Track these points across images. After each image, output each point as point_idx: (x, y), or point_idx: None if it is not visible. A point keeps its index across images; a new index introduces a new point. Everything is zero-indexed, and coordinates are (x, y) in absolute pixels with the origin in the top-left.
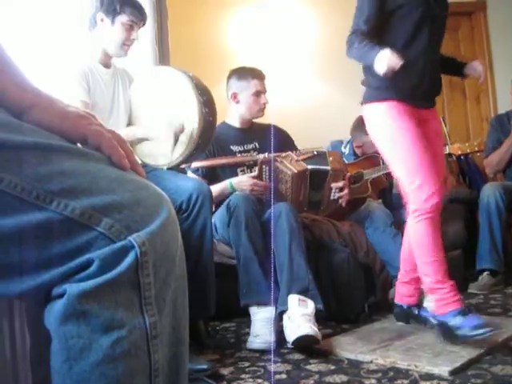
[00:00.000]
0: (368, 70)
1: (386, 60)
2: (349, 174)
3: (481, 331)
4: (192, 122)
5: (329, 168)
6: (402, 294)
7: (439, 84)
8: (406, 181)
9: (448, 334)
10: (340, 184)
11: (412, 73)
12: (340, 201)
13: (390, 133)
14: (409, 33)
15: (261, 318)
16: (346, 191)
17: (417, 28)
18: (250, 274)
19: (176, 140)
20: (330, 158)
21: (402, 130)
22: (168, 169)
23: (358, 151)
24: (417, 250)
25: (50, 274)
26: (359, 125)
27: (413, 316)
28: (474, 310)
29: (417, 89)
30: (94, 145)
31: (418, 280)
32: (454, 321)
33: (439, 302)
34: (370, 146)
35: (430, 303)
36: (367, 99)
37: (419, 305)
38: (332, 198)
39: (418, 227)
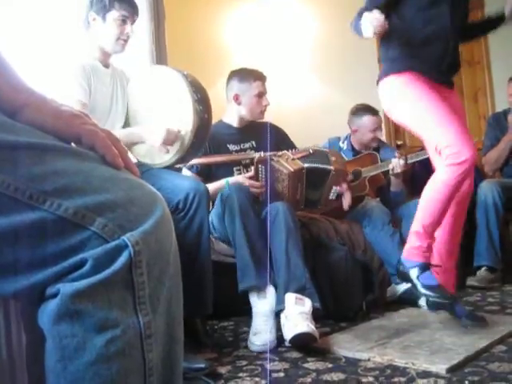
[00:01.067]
0: (386, 40)
1: (370, 21)
2: (349, 177)
3: (433, 295)
4: (186, 120)
5: (331, 168)
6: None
7: (459, 60)
8: (438, 138)
9: (405, 278)
10: (343, 187)
11: (435, 45)
12: (344, 205)
13: (412, 100)
14: (429, 12)
15: (261, 311)
16: (348, 195)
17: (437, 6)
18: (244, 259)
19: (167, 150)
20: (333, 158)
21: (423, 94)
22: (164, 168)
23: (355, 140)
24: (430, 194)
25: (43, 274)
26: (356, 110)
27: (448, 307)
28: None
29: (439, 62)
30: (88, 144)
31: (455, 268)
32: (413, 271)
33: (412, 248)
34: (364, 132)
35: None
36: (385, 73)
37: (456, 298)
38: (331, 197)
39: (445, 173)
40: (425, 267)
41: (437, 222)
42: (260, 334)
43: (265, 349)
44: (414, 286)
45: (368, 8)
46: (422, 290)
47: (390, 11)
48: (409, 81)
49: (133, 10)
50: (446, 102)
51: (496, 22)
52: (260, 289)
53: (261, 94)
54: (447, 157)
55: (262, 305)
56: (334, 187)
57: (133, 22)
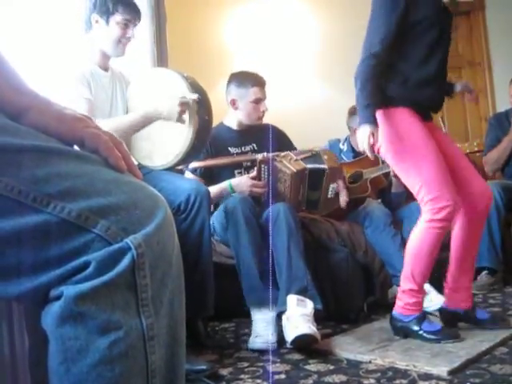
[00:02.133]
0: (387, 75)
1: (366, 140)
2: (344, 173)
3: (434, 337)
4: (187, 121)
5: (326, 166)
6: (457, 300)
7: (443, 100)
8: (420, 192)
9: (407, 333)
10: (339, 185)
11: (430, 86)
12: (341, 202)
13: (401, 137)
14: (427, 48)
15: (261, 318)
16: (344, 192)
17: (435, 44)
18: (250, 278)
19: (180, 114)
20: (325, 157)
21: (414, 134)
22: (165, 170)
23: (355, 139)
24: (414, 251)
25: (47, 276)
26: (354, 109)
27: (468, 319)
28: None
29: (431, 102)
30: (91, 147)
31: (470, 282)
32: (413, 324)
33: (408, 305)
34: None
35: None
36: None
37: (474, 307)
38: (329, 196)
39: (427, 235)
40: (422, 317)
41: (427, 273)
42: (261, 337)
43: (265, 347)
44: (419, 336)
45: (369, 56)
46: (430, 338)
47: (390, 51)
48: (400, 115)
49: (136, 15)
50: (434, 142)
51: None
52: (264, 303)
53: (258, 100)
54: (428, 211)
55: (263, 313)
56: (331, 185)
57: (135, 25)
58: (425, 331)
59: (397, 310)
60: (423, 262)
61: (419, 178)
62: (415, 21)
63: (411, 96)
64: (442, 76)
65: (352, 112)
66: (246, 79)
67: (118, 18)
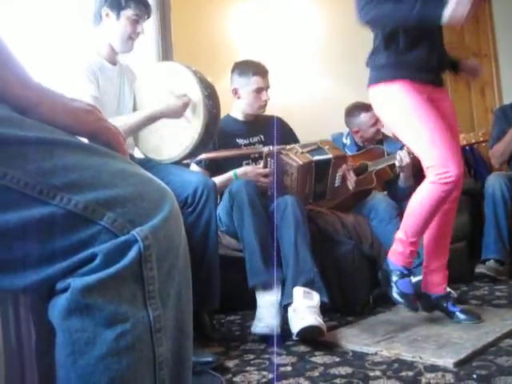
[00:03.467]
0: (376, 48)
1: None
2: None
3: (401, 300)
4: (196, 114)
5: (330, 156)
6: (430, 283)
7: (446, 59)
8: (426, 155)
9: (386, 277)
10: (344, 167)
11: (421, 47)
12: (348, 185)
13: (403, 111)
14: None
15: (265, 301)
16: (350, 174)
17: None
18: (252, 259)
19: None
20: (326, 147)
21: (415, 106)
22: (173, 163)
23: (358, 139)
24: (414, 205)
25: (53, 269)
26: (350, 111)
27: (440, 307)
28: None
29: (426, 63)
30: (103, 141)
31: (445, 267)
32: (394, 274)
33: (396, 252)
34: (366, 129)
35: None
36: (374, 81)
37: (448, 296)
38: (337, 184)
39: (431, 191)
40: (404, 273)
41: (420, 232)
42: (264, 319)
43: (268, 331)
44: (390, 287)
45: (371, 1)
46: (395, 295)
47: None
48: (398, 91)
49: (146, 10)
50: (435, 111)
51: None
52: (268, 285)
53: (259, 90)
54: (432, 175)
55: (267, 297)
56: (338, 173)
57: (144, 21)
58: (397, 287)
59: (389, 254)
60: (417, 216)
61: (422, 149)
62: None
63: (403, 60)
64: (438, 35)
65: (348, 114)
66: (248, 68)
67: (129, 13)
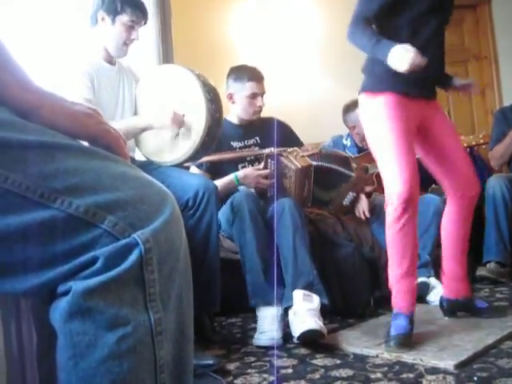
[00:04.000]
0: (372, 58)
1: (408, 59)
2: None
3: (390, 343)
4: (199, 118)
5: (353, 174)
6: (456, 290)
7: (442, 73)
8: (383, 173)
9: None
10: (360, 198)
11: None
12: (360, 213)
13: (379, 127)
14: (416, 20)
15: (267, 314)
16: (365, 204)
17: (425, 15)
18: (255, 274)
19: (177, 134)
20: (354, 165)
21: (391, 126)
22: (173, 166)
23: (355, 136)
24: (388, 251)
25: (54, 272)
26: (347, 107)
27: (468, 308)
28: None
29: (421, 78)
30: (104, 144)
31: (466, 269)
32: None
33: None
34: (361, 125)
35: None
36: (365, 89)
37: (473, 296)
38: (345, 203)
39: (389, 228)
40: (395, 315)
41: (411, 265)
42: (266, 333)
43: (271, 343)
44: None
45: (358, 17)
46: (389, 340)
47: (379, 23)
48: (381, 104)
49: (143, 16)
50: (408, 132)
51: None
52: (270, 302)
53: (254, 95)
54: (387, 198)
55: (268, 311)
56: (351, 193)
57: (140, 26)
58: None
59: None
60: (392, 250)
61: (382, 162)
62: None
63: (399, 74)
64: (437, 48)
65: (346, 110)
66: (243, 73)
67: (124, 18)
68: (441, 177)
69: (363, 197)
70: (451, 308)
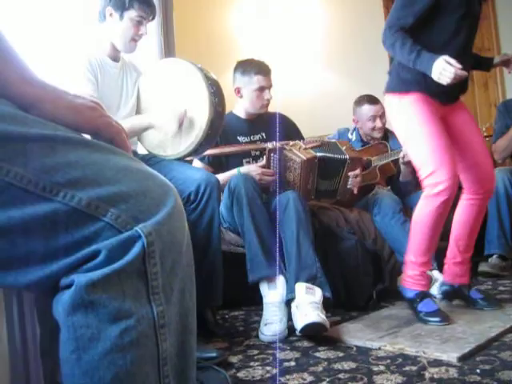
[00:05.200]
0: (399, 63)
1: (451, 73)
2: (365, 158)
3: (432, 319)
4: (202, 112)
5: (347, 157)
6: (454, 274)
7: (468, 82)
8: (421, 168)
9: (411, 307)
10: (357, 171)
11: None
12: (352, 187)
13: (411, 124)
14: (451, 29)
15: (271, 301)
16: (359, 178)
17: (458, 25)
18: (253, 250)
19: (179, 126)
20: (344, 147)
21: (421, 120)
22: (176, 159)
23: (361, 130)
24: (415, 225)
25: (57, 265)
26: (358, 100)
27: (462, 296)
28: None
29: (450, 88)
30: (107, 137)
31: (470, 260)
32: (414, 302)
33: (408, 277)
34: (363, 121)
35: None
36: (393, 89)
37: (470, 285)
38: (349, 186)
39: (426, 205)
40: (423, 295)
41: (429, 249)
42: (270, 325)
43: (275, 339)
44: (416, 313)
45: (394, 26)
46: (423, 318)
47: (421, 22)
48: (411, 103)
49: (150, 11)
50: (441, 128)
51: (483, 65)
52: (270, 279)
53: (262, 89)
54: (426, 188)
55: (272, 296)
56: (352, 174)
57: (148, 22)
58: (421, 311)
59: (401, 282)
60: (421, 234)
61: (419, 158)
62: (440, 4)
63: (426, 79)
64: (466, 59)
65: (355, 103)
66: (250, 67)
67: (132, 14)
68: (460, 171)
69: (359, 173)
70: (447, 293)
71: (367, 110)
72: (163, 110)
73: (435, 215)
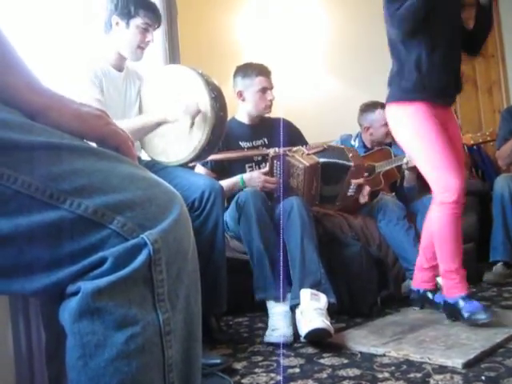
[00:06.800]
0: (400, 71)
1: None
2: (366, 164)
3: (479, 317)
4: (204, 117)
5: (351, 164)
6: (420, 280)
7: (460, 81)
8: (430, 175)
9: (455, 314)
10: (360, 180)
11: (442, 73)
12: (354, 195)
13: (414, 134)
14: (438, 34)
15: (278, 311)
16: (367, 189)
17: (444, 29)
18: (262, 270)
19: (192, 122)
20: (350, 154)
21: (426, 130)
22: (179, 166)
23: (368, 137)
24: (437, 237)
25: (63, 272)
26: (366, 107)
27: (428, 300)
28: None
29: (445, 88)
30: (112, 145)
31: (436, 267)
32: (460, 304)
33: (449, 287)
34: (377, 127)
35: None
36: (394, 99)
37: (435, 290)
38: (349, 194)
39: (440, 217)
40: (465, 297)
41: (458, 254)
42: (278, 330)
43: (282, 340)
44: (462, 317)
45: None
46: (474, 318)
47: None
48: (415, 113)
49: (156, 19)
50: (444, 134)
51: (482, 15)
52: (278, 298)
53: (264, 90)
54: (436, 197)
55: (279, 307)
56: (354, 182)
57: (154, 29)
58: (467, 311)
59: (445, 294)
60: (448, 243)
61: (429, 169)
62: (432, 7)
63: (426, 85)
64: (456, 59)
65: (364, 109)
66: (251, 70)
67: (138, 21)
68: None
69: (363, 182)
70: (417, 299)
71: (382, 115)
72: (176, 104)
73: (452, 223)
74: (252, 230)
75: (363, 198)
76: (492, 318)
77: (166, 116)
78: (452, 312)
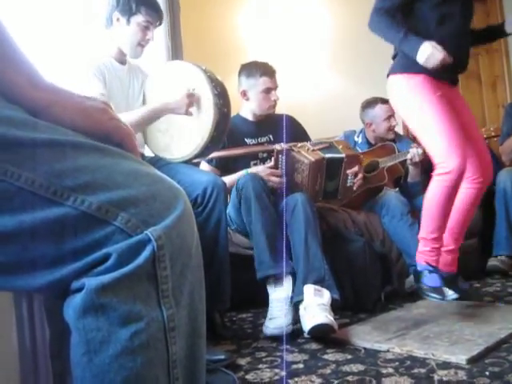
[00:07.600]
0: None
1: (437, 60)
2: (361, 156)
3: (433, 295)
4: (207, 113)
5: (343, 155)
6: (444, 263)
7: (467, 59)
8: (430, 146)
9: (417, 280)
10: (356, 169)
11: (449, 45)
12: (353, 185)
13: (418, 103)
14: (442, 9)
15: (277, 297)
16: (360, 176)
17: (442, 13)
18: (260, 248)
19: (190, 104)
20: (340, 146)
21: (429, 101)
22: (183, 162)
23: (370, 134)
24: (426, 204)
25: (68, 269)
26: (367, 103)
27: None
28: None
29: (450, 66)
30: (116, 140)
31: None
32: (424, 274)
33: (421, 252)
34: (379, 122)
35: None
36: (398, 70)
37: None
38: (348, 184)
39: (436, 185)
40: (430, 270)
41: (439, 227)
42: (275, 319)
43: (279, 333)
44: (419, 287)
45: (380, 9)
46: (426, 293)
47: (405, 10)
48: (418, 84)
49: (158, 17)
50: (448, 106)
51: (495, 33)
52: (277, 278)
53: (268, 90)
54: (436, 166)
55: (278, 293)
56: (350, 173)
57: (155, 27)
58: (425, 284)
59: (416, 258)
60: (433, 212)
61: (429, 143)
62: None
63: None
64: (463, 36)
65: (365, 106)
66: (256, 69)
67: (139, 18)
68: None
69: (358, 170)
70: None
71: (382, 109)
72: (173, 95)
73: (444, 193)
74: (251, 208)
75: (355, 186)
76: (444, 302)
77: (167, 102)
78: (416, 277)
